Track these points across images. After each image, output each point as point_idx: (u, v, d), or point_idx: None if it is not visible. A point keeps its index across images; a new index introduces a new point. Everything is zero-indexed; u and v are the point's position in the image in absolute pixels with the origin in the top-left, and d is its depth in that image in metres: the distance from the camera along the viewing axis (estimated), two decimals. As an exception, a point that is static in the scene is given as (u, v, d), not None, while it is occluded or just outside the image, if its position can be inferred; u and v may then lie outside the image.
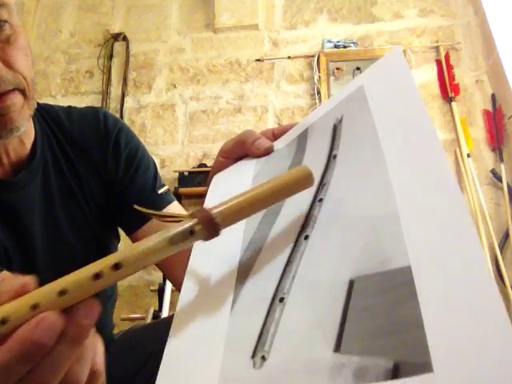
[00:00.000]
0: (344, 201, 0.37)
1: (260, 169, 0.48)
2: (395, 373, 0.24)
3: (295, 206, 0.40)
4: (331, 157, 0.41)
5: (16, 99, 0.61)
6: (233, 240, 0.41)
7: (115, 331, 0.89)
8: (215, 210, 0.34)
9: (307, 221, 0.38)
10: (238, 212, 0.35)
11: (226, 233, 0.40)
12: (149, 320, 1.78)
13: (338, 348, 0.27)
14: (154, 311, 1.84)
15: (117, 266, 0.30)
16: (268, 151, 0.49)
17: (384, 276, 0.29)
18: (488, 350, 0.22)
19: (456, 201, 0.29)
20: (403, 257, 0.28)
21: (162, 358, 0.70)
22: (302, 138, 0.47)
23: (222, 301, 0.36)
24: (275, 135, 0.51)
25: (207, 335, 0.34)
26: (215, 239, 0.39)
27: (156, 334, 0.72)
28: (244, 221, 0.42)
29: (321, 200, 0.38)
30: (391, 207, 0.32)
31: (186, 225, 0.33)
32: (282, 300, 0.33)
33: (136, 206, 0.46)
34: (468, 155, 2.12)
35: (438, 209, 0.29)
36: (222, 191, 0.49)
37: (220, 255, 0.41)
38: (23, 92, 0.62)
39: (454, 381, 0.22)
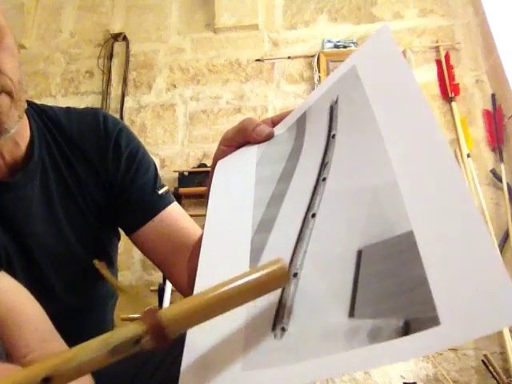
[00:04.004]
0: (346, 177, 0.38)
1: (262, 153, 0.49)
2: (406, 330, 0.26)
3: (300, 186, 0.41)
4: (330, 137, 0.43)
5: (2, 102, 0.60)
6: (242, 223, 0.43)
7: (115, 331, 0.89)
8: (168, 315, 0.29)
9: (313, 200, 0.39)
10: (198, 316, 0.30)
11: (234, 215, 0.42)
12: (149, 320, 1.78)
13: (352, 313, 0.30)
14: (154, 311, 1.83)
15: (46, 381, 0.27)
16: (269, 137, 0.50)
17: (389, 243, 0.31)
18: (489, 300, 0.24)
19: (449, 164, 0.30)
20: (405, 222, 0.31)
21: (162, 357, 0.69)
22: (301, 122, 0.49)
23: None
24: (274, 122, 0.52)
25: (228, 314, 0.35)
26: (226, 224, 0.40)
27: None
28: (251, 204, 0.43)
29: (324, 179, 0.40)
30: (390, 177, 0.34)
31: (132, 333, 0.29)
32: (295, 275, 0.35)
33: (96, 261, 0.42)
34: (468, 155, 2.12)
35: (433, 174, 0.31)
36: (227, 178, 0.50)
37: (232, 238, 0.42)
38: (10, 94, 0.61)
39: (460, 330, 0.24)
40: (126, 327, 0.29)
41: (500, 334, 1.86)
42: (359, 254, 0.32)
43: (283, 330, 0.32)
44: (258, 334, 0.33)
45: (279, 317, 0.33)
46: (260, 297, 0.33)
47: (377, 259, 0.31)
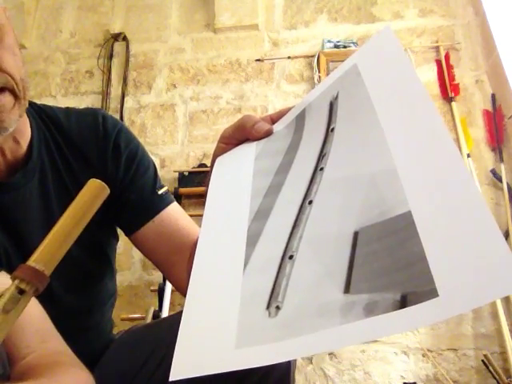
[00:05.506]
0: (344, 166, 0.39)
1: (261, 149, 0.49)
2: (403, 303, 0.26)
3: (298, 177, 0.42)
4: (329, 130, 0.43)
5: (5, 99, 0.60)
6: (240, 213, 0.43)
7: (115, 331, 0.89)
8: (32, 259, 0.34)
9: (310, 188, 0.40)
10: (55, 250, 0.35)
11: (232, 206, 0.42)
12: (149, 320, 1.78)
13: (347, 289, 0.30)
14: (154, 311, 1.84)
15: None
16: (268, 133, 0.50)
17: (386, 223, 0.31)
18: (488, 270, 0.24)
19: (447, 148, 0.31)
20: (403, 204, 0.31)
21: (162, 356, 0.69)
22: (300, 118, 0.49)
23: (234, 264, 0.38)
24: (273, 120, 0.52)
25: (222, 295, 0.36)
26: (223, 216, 0.41)
27: (157, 334, 0.72)
28: (249, 196, 0.44)
29: (322, 169, 0.41)
30: (389, 163, 0.34)
31: (12, 288, 0.33)
32: (291, 257, 0.35)
33: None
34: (468, 155, 2.12)
35: (431, 158, 0.32)
36: (225, 172, 0.51)
37: (228, 226, 0.43)
38: (13, 92, 0.61)
39: (458, 301, 0.24)
40: (5, 289, 0.33)
41: (500, 334, 1.86)
42: (355, 235, 0.33)
43: (277, 308, 0.32)
44: (251, 313, 0.33)
45: (274, 296, 0.33)
46: (94, 209, 0.38)
47: (373, 239, 0.31)
